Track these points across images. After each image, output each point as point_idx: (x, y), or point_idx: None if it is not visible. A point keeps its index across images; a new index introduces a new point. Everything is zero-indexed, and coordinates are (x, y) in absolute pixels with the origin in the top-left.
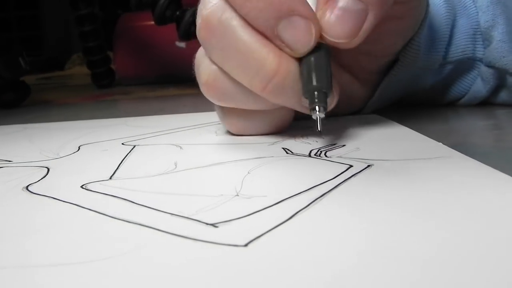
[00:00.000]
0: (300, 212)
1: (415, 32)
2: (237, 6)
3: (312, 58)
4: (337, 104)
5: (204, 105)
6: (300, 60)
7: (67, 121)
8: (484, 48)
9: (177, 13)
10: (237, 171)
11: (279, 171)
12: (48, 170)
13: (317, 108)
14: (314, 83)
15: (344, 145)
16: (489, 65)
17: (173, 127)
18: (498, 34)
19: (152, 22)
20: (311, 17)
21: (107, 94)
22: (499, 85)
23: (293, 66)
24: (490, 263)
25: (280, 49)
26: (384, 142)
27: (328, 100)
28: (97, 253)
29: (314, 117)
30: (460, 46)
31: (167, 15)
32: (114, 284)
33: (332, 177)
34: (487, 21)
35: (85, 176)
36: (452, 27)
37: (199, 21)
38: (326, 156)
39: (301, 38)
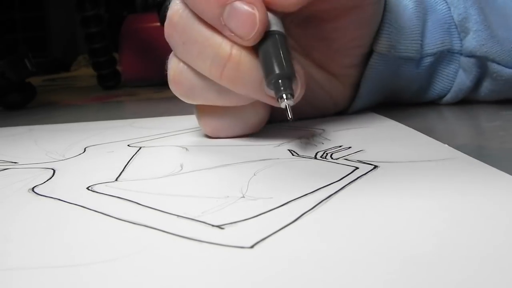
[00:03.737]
0: (306, 214)
1: (379, 21)
2: (188, 3)
3: (268, 46)
4: (321, 104)
5: None
6: (257, 50)
7: (73, 122)
8: (461, 40)
9: None
10: (243, 172)
11: (285, 173)
12: (54, 171)
13: (284, 96)
14: (276, 71)
15: (350, 147)
16: (470, 55)
17: (179, 128)
18: (473, 24)
19: (158, 24)
20: (256, 1)
21: (113, 96)
22: (482, 74)
23: (246, 50)
24: (495, 264)
25: (232, 41)
26: (390, 143)
27: (294, 86)
28: (103, 255)
29: (283, 106)
30: (437, 38)
31: None
32: (120, 286)
33: (338, 179)
34: (460, 14)
35: (91, 178)
36: (425, 21)
37: (166, 22)
38: (332, 158)
39: (245, 24)
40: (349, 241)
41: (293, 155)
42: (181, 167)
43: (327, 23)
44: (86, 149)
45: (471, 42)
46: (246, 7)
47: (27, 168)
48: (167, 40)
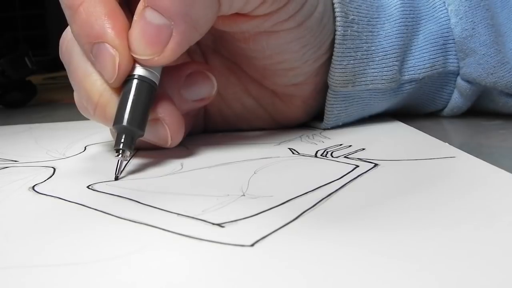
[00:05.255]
0: (306, 212)
1: (316, 47)
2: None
3: (130, 94)
4: (261, 119)
5: None
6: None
7: (74, 121)
8: (458, 60)
9: None
10: (244, 171)
11: (285, 171)
12: (54, 170)
13: (120, 151)
14: (124, 123)
15: (350, 145)
16: (471, 82)
17: None
18: (479, 47)
19: None
20: (119, 46)
21: None
22: (484, 99)
23: (114, 98)
24: (496, 262)
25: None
26: (390, 142)
27: (149, 135)
28: (103, 253)
29: (116, 158)
30: (427, 59)
31: None
32: (120, 284)
33: (338, 177)
34: (465, 30)
35: (91, 176)
36: (412, 36)
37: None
38: (332, 156)
39: (106, 67)
40: (349, 239)
41: (293, 153)
42: (182, 165)
43: (242, 43)
44: (86, 147)
45: (477, 68)
46: (109, 50)
47: (27, 166)
48: None
